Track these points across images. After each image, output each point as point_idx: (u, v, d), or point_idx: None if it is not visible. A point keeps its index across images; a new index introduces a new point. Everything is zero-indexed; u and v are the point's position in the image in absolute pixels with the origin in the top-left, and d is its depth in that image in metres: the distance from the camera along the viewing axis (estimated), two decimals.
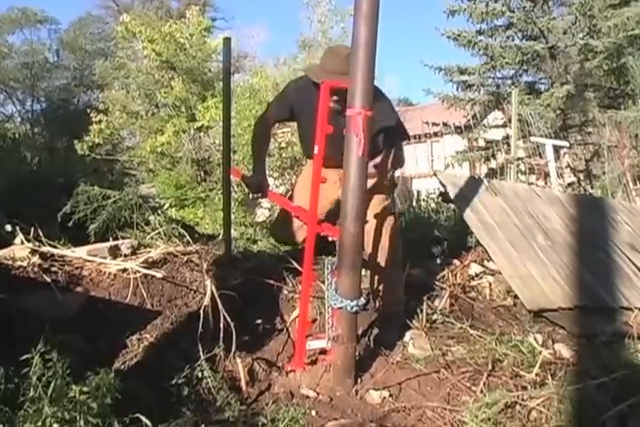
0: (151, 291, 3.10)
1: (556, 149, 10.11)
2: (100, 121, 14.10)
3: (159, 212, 4.15)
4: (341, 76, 3.06)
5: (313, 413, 2.60)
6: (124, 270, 3.14)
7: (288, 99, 3.60)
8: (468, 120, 13.53)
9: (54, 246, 3.31)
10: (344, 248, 2.81)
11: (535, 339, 3.38)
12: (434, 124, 15.43)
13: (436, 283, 4.05)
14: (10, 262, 3.08)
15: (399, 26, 52.53)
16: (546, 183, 9.31)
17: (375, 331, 3.32)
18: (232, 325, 2.84)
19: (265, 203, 9.35)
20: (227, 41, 3.70)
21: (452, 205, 5.62)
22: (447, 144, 16.06)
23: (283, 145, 10.25)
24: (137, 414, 2.01)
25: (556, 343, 3.46)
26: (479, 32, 15.57)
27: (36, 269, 3.06)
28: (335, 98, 3.30)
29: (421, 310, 3.56)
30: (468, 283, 4.18)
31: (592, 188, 10.91)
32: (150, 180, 13.51)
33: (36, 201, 4.45)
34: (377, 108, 2.92)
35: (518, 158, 9.52)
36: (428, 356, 3.15)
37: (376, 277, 3.40)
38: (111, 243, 3.49)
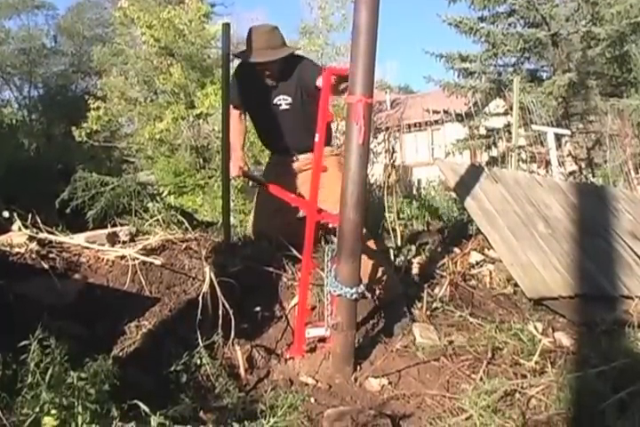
0: (150, 278, 3.09)
1: (558, 137, 10.06)
2: (98, 108, 14.01)
3: (158, 199, 4.13)
4: (269, 50, 3.31)
5: (312, 400, 2.60)
6: (123, 257, 3.13)
7: (235, 85, 3.64)
8: (469, 108, 13.44)
9: (52, 233, 3.30)
10: (344, 235, 2.79)
11: (535, 327, 3.38)
12: (434, 111, 15.35)
13: (437, 271, 4.04)
14: (7, 249, 3.07)
15: (400, 12, 52.30)
16: (547, 172, 9.26)
17: (376, 319, 3.31)
18: (231, 312, 2.84)
19: None
20: (226, 27, 3.67)
21: (452, 193, 5.60)
22: (448, 132, 16.01)
23: None
24: (135, 401, 2.00)
25: (556, 332, 3.46)
26: (481, 19, 15.44)
27: (33, 255, 3.05)
28: (267, 73, 3.39)
29: (421, 299, 3.55)
30: (468, 271, 4.18)
31: (593, 176, 10.88)
32: (149, 167, 13.47)
33: (34, 187, 4.44)
34: (300, 66, 3.29)
35: (519, 146, 9.48)
36: (436, 345, 3.15)
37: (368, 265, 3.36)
38: (109, 230, 3.47)
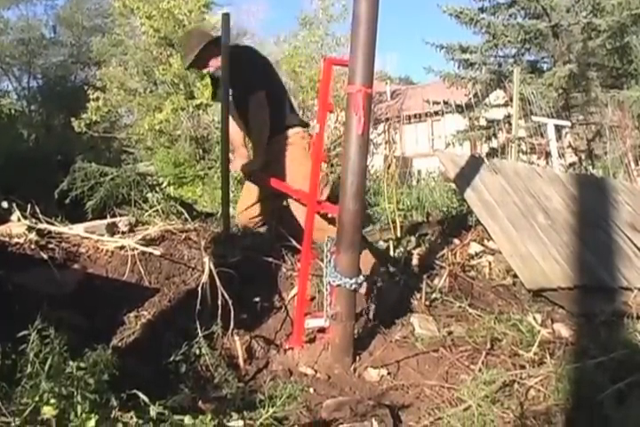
0: (149, 268, 3.09)
1: (558, 128, 10.04)
2: (97, 98, 13.97)
3: (157, 189, 4.12)
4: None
5: (311, 390, 2.61)
6: (122, 248, 3.12)
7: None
8: (470, 99, 13.42)
9: (51, 223, 3.29)
10: (343, 225, 2.79)
11: (534, 318, 3.38)
12: (434, 102, 15.31)
13: (436, 262, 4.04)
14: (6, 239, 3.06)
15: (401, 3, 52.03)
16: (547, 163, 9.27)
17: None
18: (230, 302, 2.83)
19: None
20: (226, 17, 3.63)
21: (452, 185, 5.59)
22: (448, 123, 15.96)
23: None
24: (134, 391, 2.00)
25: (555, 323, 3.47)
26: (481, 10, 15.41)
27: (32, 246, 3.04)
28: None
29: (420, 289, 3.55)
30: (467, 262, 4.18)
31: (593, 168, 10.87)
32: (148, 158, 13.43)
33: (33, 178, 4.43)
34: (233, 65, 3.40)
35: (519, 138, 9.46)
36: (435, 336, 3.15)
37: None
38: (109, 220, 3.46)
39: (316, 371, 2.83)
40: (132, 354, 2.54)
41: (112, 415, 1.90)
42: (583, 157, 13.04)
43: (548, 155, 9.40)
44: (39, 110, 22.86)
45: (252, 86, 3.54)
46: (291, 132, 3.63)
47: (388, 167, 4.98)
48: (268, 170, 3.60)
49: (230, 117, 3.69)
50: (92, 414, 1.84)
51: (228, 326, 2.81)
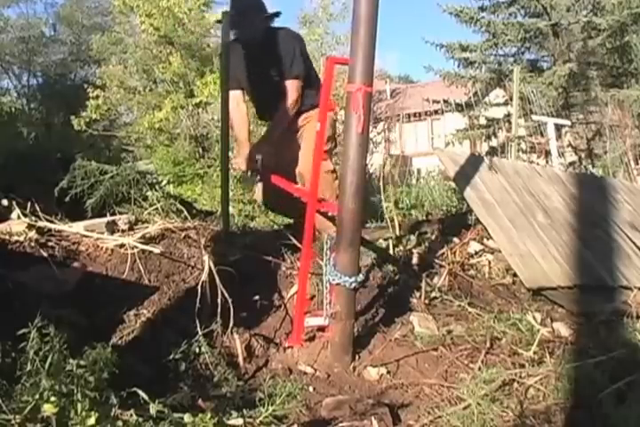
0: (149, 266, 3.09)
1: (558, 127, 10.06)
2: (97, 96, 14.00)
3: (157, 188, 4.12)
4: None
5: (310, 389, 2.61)
6: (122, 246, 3.13)
7: (234, 64, 3.69)
8: (469, 98, 13.42)
9: (51, 221, 3.29)
10: (343, 224, 2.79)
11: (534, 317, 3.37)
12: (434, 101, 15.30)
13: (436, 261, 4.03)
14: (6, 237, 3.06)
15: (401, 1, 52.05)
16: (547, 162, 9.27)
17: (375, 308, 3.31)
18: (230, 301, 2.83)
19: None
20: (226, 15, 3.64)
21: (452, 183, 5.59)
22: (448, 122, 15.96)
23: None
24: (134, 389, 2.00)
25: (555, 322, 3.46)
26: (481, 8, 15.40)
27: (32, 243, 3.05)
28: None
29: (420, 288, 3.55)
30: (467, 261, 4.16)
31: (593, 167, 10.87)
32: (148, 156, 13.46)
33: (33, 176, 4.42)
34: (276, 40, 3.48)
35: (519, 137, 9.46)
36: (434, 335, 3.15)
37: None
38: (108, 218, 3.47)
39: (315, 369, 2.83)
40: (132, 352, 2.54)
41: (112, 413, 1.90)
42: (583, 156, 13.05)
43: (547, 154, 9.41)
44: (39, 108, 22.82)
45: (291, 72, 3.58)
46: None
47: (393, 166, 4.97)
48: (288, 143, 3.64)
49: (235, 106, 3.67)
50: (92, 412, 1.84)
51: (227, 324, 2.82)
